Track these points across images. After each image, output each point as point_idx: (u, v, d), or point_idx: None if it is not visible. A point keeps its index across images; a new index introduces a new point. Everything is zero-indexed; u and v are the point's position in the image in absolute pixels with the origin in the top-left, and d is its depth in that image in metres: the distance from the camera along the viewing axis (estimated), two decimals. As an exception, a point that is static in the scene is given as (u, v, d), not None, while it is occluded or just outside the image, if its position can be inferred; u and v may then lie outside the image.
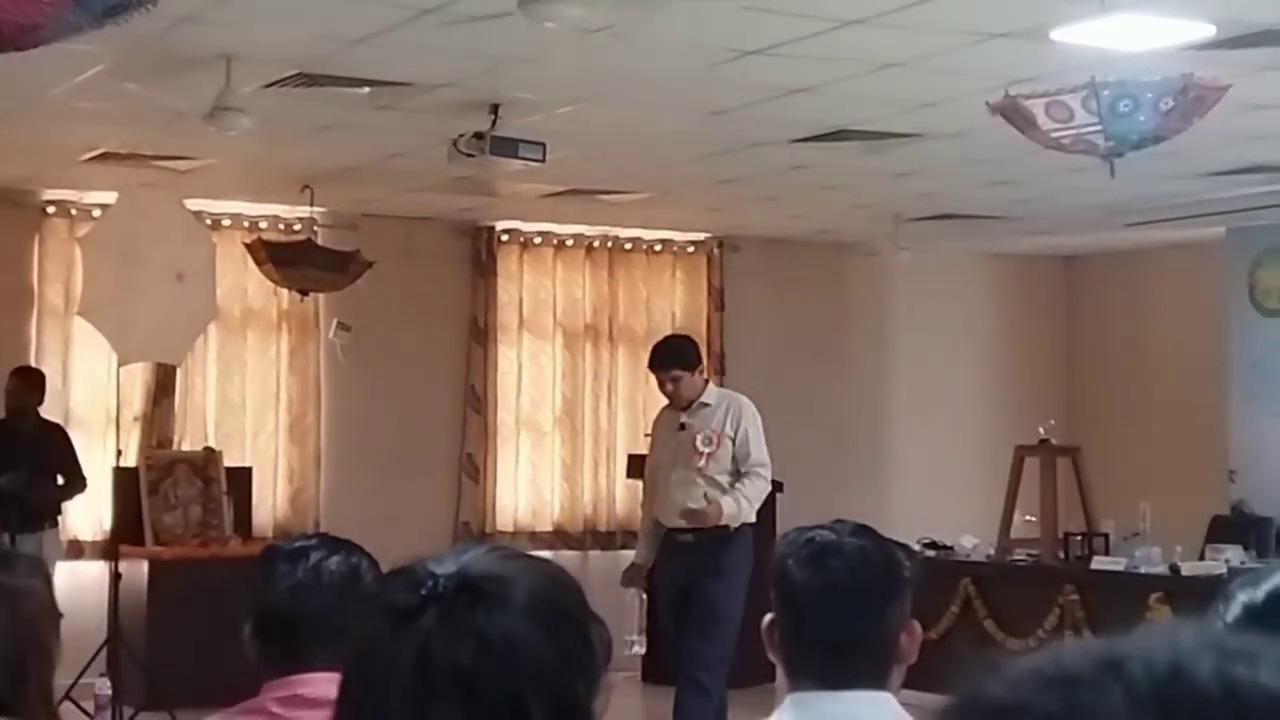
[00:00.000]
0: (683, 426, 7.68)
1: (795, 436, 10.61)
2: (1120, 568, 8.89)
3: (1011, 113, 5.76)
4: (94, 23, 4.44)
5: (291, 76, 7.04)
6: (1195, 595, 7.62)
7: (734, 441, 7.63)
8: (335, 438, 10.93)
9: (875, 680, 2.60)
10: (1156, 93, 5.50)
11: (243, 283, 10.55)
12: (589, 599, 1.53)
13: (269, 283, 10.07)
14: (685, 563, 7.56)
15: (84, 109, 7.65)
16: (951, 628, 9.22)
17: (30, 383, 9.42)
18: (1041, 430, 10.12)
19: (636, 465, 9.99)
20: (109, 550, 9.56)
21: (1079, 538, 9.50)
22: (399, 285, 10.91)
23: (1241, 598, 1.65)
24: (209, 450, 10.23)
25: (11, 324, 10.11)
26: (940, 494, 12.04)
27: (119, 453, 9.67)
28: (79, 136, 8.47)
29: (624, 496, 11.41)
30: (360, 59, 6.71)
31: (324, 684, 2.44)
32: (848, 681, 2.57)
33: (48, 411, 9.53)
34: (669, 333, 10.11)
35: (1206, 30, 6.09)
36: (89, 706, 8.06)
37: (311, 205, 10.15)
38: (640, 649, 8.02)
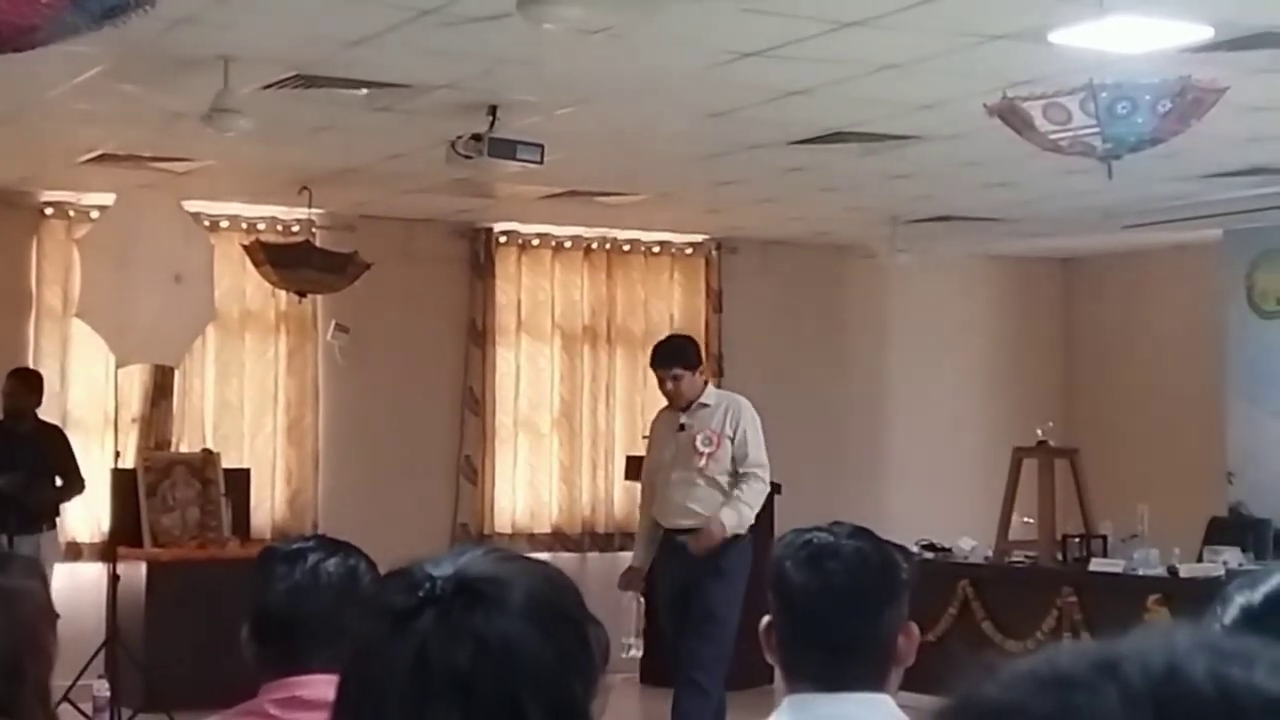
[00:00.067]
0: (682, 427, 7.68)
1: (793, 438, 10.61)
2: (1118, 569, 8.89)
3: (1009, 115, 5.77)
4: (92, 24, 4.44)
5: (289, 78, 7.04)
6: (1193, 597, 7.63)
7: (733, 442, 7.63)
8: (333, 439, 10.93)
9: (873, 682, 2.60)
10: (1154, 95, 5.50)
11: (241, 284, 10.55)
12: (587, 601, 1.53)
13: (267, 284, 10.06)
14: (684, 563, 7.56)
15: (82, 110, 7.65)
16: (949, 629, 9.21)
17: (28, 384, 9.42)
18: (1039, 432, 10.12)
19: (634, 467, 9.98)
20: (107, 552, 9.56)
21: (1077, 539, 9.50)
22: (397, 287, 10.91)
23: (1239, 600, 1.65)
24: (207, 452, 10.22)
25: (9, 325, 10.10)
26: (938, 495, 12.04)
27: (117, 454, 9.68)
28: (77, 138, 8.46)
29: (622, 498, 11.41)
30: (358, 60, 6.71)
31: (322, 685, 2.44)
32: (845, 683, 2.57)
33: (46, 413, 9.53)
34: (670, 333, 10.11)
35: (1204, 32, 6.10)
36: (87, 708, 8.05)
37: (309, 207, 10.14)
38: (637, 652, 8.02)
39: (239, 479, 10.24)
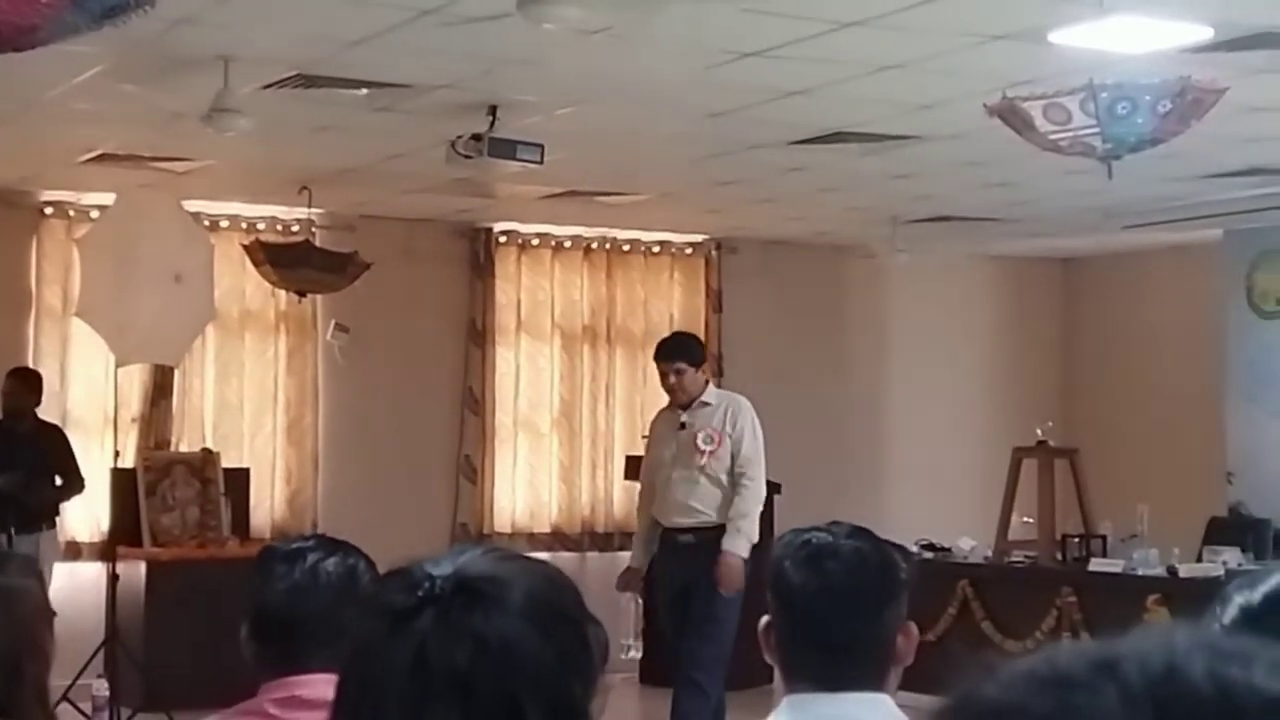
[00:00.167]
0: (683, 426, 7.69)
1: (793, 438, 10.61)
2: (1118, 569, 8.89)
3: (1009, 115, 5.77)
4: (92, 24, 4.44)
5: (290, 78, 7.04)
6: (1193, 597, 7.62)
7: (731, 439, 7.63)
8: (333, 439, 10.93)
9: (872, 682, 2.60)
10: (1154, 95, 5.50)
11: (241, 284, 10.55)
12: (586, 600, 1.53)
13: (267, 284, 10.06)
14: (685, 563, 7.56)
15: (82, 110, 7.65)
16: (949, 629, 9.22)
17: (28, 384, 9.42)
18: (1039, 432, 10.13)
19: (634, 467, 9.98)
20: (107, 551, 9.56)
21: (1077, 539, 9.51)
22: (397, 287, 10.91)
23: (1238, 600, 1.65)
24: (207, 451, 10.22)
25: (9, 325, 10.10)
26: (938, 495, 12.04)
27: (117, 454, 9.68)
28: (77, 137, 8.46)
29: (622, 498, 11.41)
30: (358, 60, 6.71)
31: (321, 685, 2.44)
32: (844, 683, 2.57)
33: (45, 412, 9.53)
34: (675, 330, 10.13)
35: (1204, 33, 6.10)
36: (86, 708, 8.05)
37: (309, 206, 10.14)
38: (636, 653, 8.03)
39: (238, 478, 10.24)
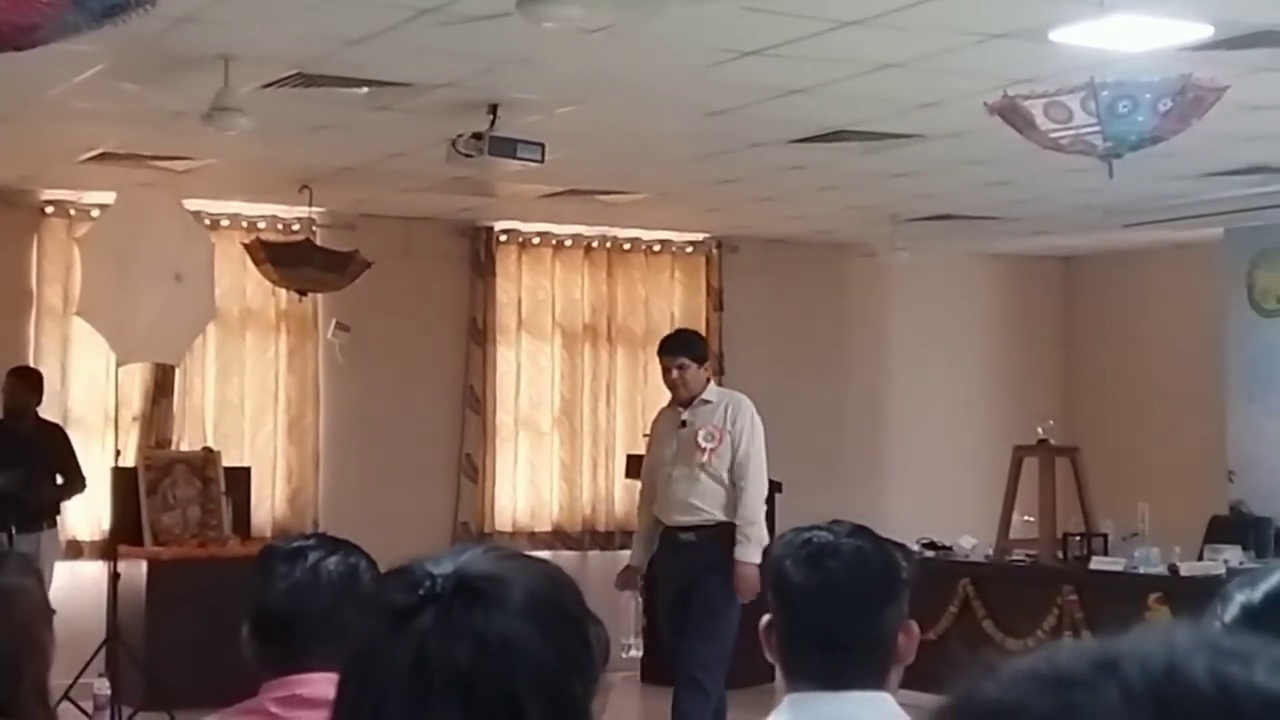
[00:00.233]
0: (684, 424, 7.69)
1: (793, 437, 10.61)
2: (1119, 568, 8.89)
3: (1010, 113, 5.77)
4: (92, 23, 4.44)
5: (290, 76, 7.04)
6: (1194, 595, 7.62)
7: (732, 437, 7.63)
8: (334, 438, 10.94)
9: (873, 681, 2.60)
10: (1155, 93, 5.50)
11: (241, 283, 10.55)
12: (587, 599, 1.53)
13: (267, 283, 10.07)
14: (686, 561, 7.55)
15: (82, 109, 7.65)
16: (950, 628, 9.22)
17: (28, 383, 9.42)
18: (1040, 430, 10.12)
19: (635, 465, 9.98)
20: (107, 550, 9.56)
21: (1078, 538, 9.51)
22: (397, 285, 10.91)
23: (1239, 598, 1.65)
24: (207, 450, 10.23)
25: (10, 324, 10.11)
26: (939, 494, 12.04)
27: (117, 453, 9.68)
28: (77, 136, 8.47)
29: (622, 497, 11.41)
30: (359, 59, 6.71)
31: (322, 684, 2.44)
32: (845, 682, 2.57)
33: (46, 411, 9.53)
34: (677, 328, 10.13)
35: (1204, 31, 6.10)
36: (88, 707, 8.05)
37: (310, 205, 10.15)
38: (637, 651, 8.02)
39: (239, 477, 10.25)
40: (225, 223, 10.64)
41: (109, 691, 7.92)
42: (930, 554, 9.58)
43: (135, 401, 10.31)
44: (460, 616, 1.42)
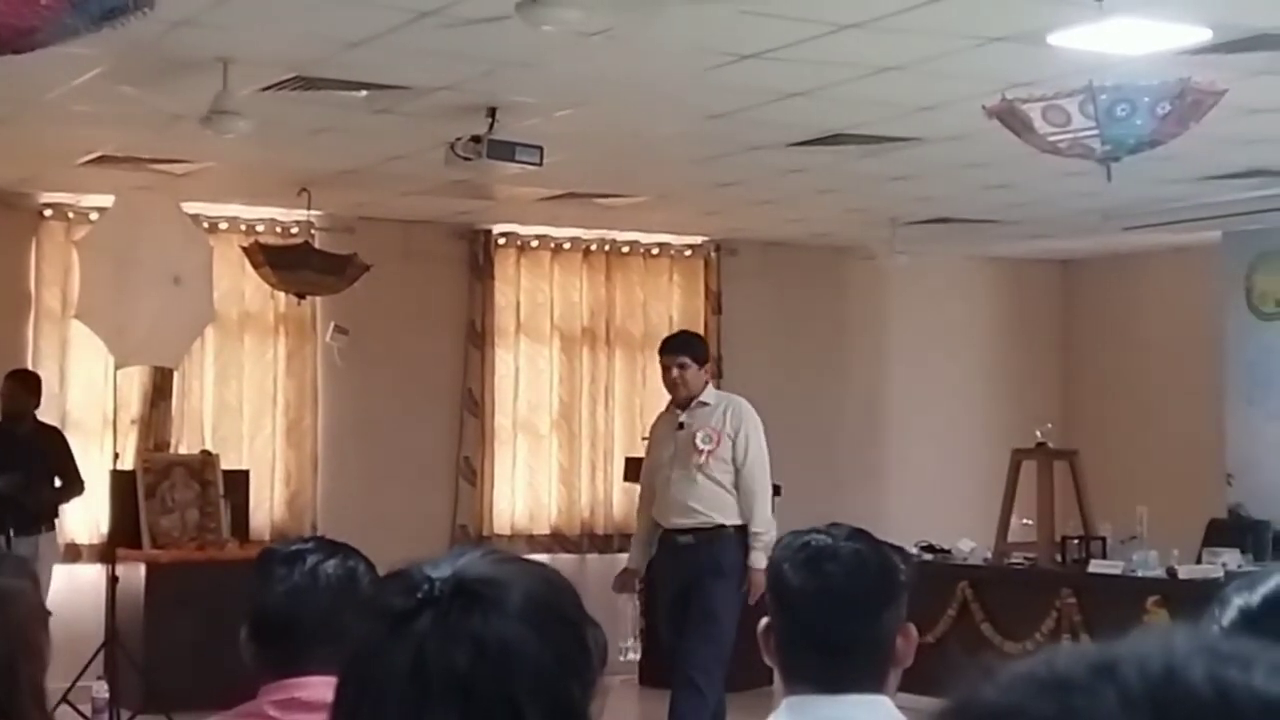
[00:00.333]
0: (681, 425, 7.70)
1: (792, 440, 10.61)
2: (1117, 571, 8.89)
3: (1008, 117, 5.77)
4: (91, 26, 4.45)
5: (289, 80, 7.04)
6: (1192, 599, 7.62)
7: (733, 441, 7.64)
8: (332, 441, 10.93)
9: (871, 684, 2.60)
10: (1153, 97, 5.50)
11: (240, 286, 10.55)
12: (586, 602, 1.53)
13: (266, 286, 10.06)
14: (684, 563, 7.56)
15: (81, 112, 7.65)
16: (948, 631, 9.21)
17: (26, 386, 9.42)
18: (1038, 433, 10.12)
19: (633, 468, 9.98)
20: (106, 553, 9.55)
21: (1076, 541, 9.50)
22: (396, 288, 10.91)
23: (1237, 602, 1.65)
24: (206, 453, 10.22)
25: (8, 327, 10.10)
26: (937, 497, 12.04)
27: (116, 456, 9.67)
28: (76, 139, 8.46)
29: (621, 500, 11.41)
30: (358, 62, 6.71)
31: (321, 687, 2.44)
32: (844, 685, 2.57)
33: (45, 414, 9.53)
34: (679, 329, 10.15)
35: (1203, 34, 6.10)
36: (86, 710, 8.04)
37: (309, 208, 10.14)
38: (634, 655, 8.02)
39: (238, 480, 10.24)
40: (224, 226, 10.63)
41: (107, 695, 7.91)
42: (928, 557, 9.58)
43: (134, 404, 10.31)
44: (458, 620, 1.42)
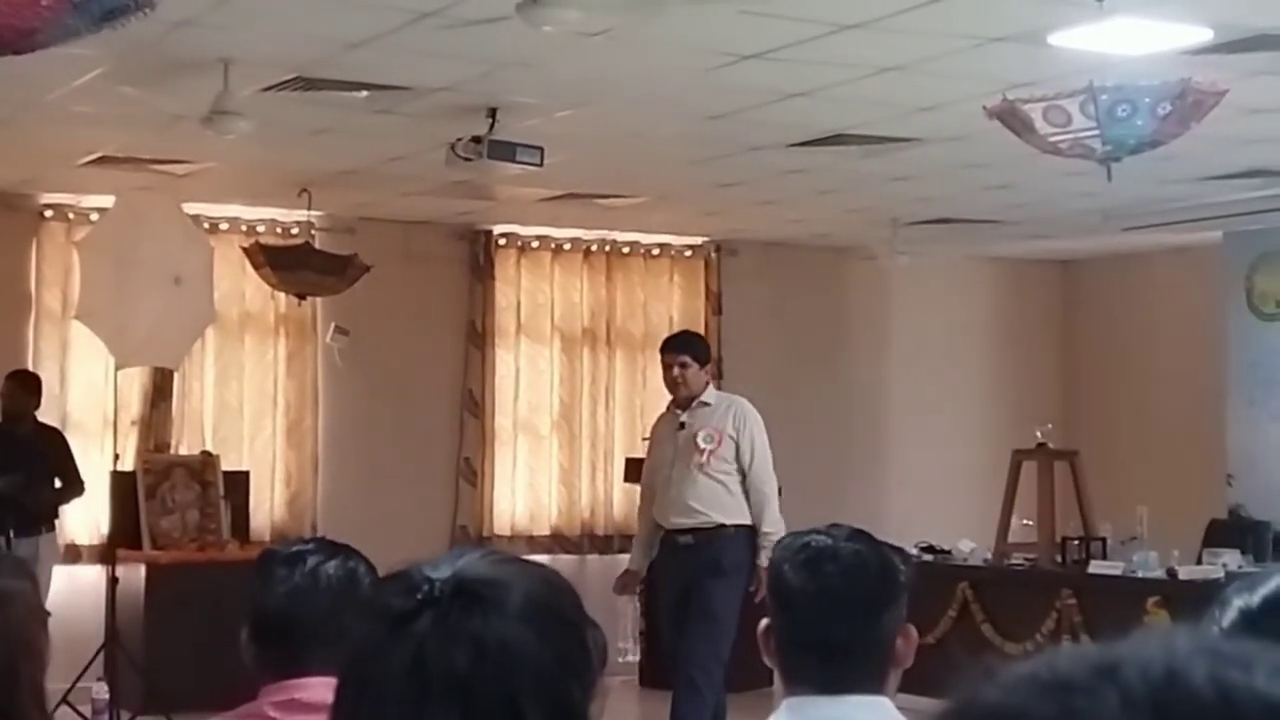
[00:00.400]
0: (682, 425, 7.71)
1: (792, 440, 10.60)
2: (1118, 572, 8.89)
3: (1009, 117, 5.77)
4: (92, 27, 4.45)
5: (289, 80, 7.04)
6: (1193, 599, 7.62)
7: (736, 442, 7.64)
8: (333, 441, 10.93)
9: (872, 685, 2.60)
10: (1154, 97, 5.50)
11: (240, 286, 10.55)
12: (586, 603, 1.52)
13: (266, 286, 10.06)
14: (685, 563, 7.57)
15: (82, 113, 7.65)
16: (948, 632, 9.21)
17: (27, 386, 9.42)
18: (1039, 434, 10.11)
19: (634, 469, 9.99)
20: (106, 554, 9.55)
21: (1076, 542, 9.50)
22: (397, 289, 10.91)
23: (1237, 603, 1.64)
24: (206, 454, 10.22)
25: (9, 328, 10.10)
26: (938, 498, 12.04)
27: (116, 456, 9.67)
28: (77, 140, 8.47)
29: (621, 500, 11.41)
30: (358, 63, 6.71)
31: (321, 688, 2.44)
32: (844, 686, 2.57)
33: (45, 415, 9.53)
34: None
35: (1204, 35, 6.10)
36: (86, 711, 8.04)
37: (309, 209, 10.14)
38: (634, 656, 8.03)
39: (238, 481, 10.24)
40: (224, 226, 10.63)
41: (107, 696, 7.91)
42: (929, 558, 9.58)
43: (134, 405, 10.31)
44: (458, 621, 1.42)
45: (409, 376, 11.13)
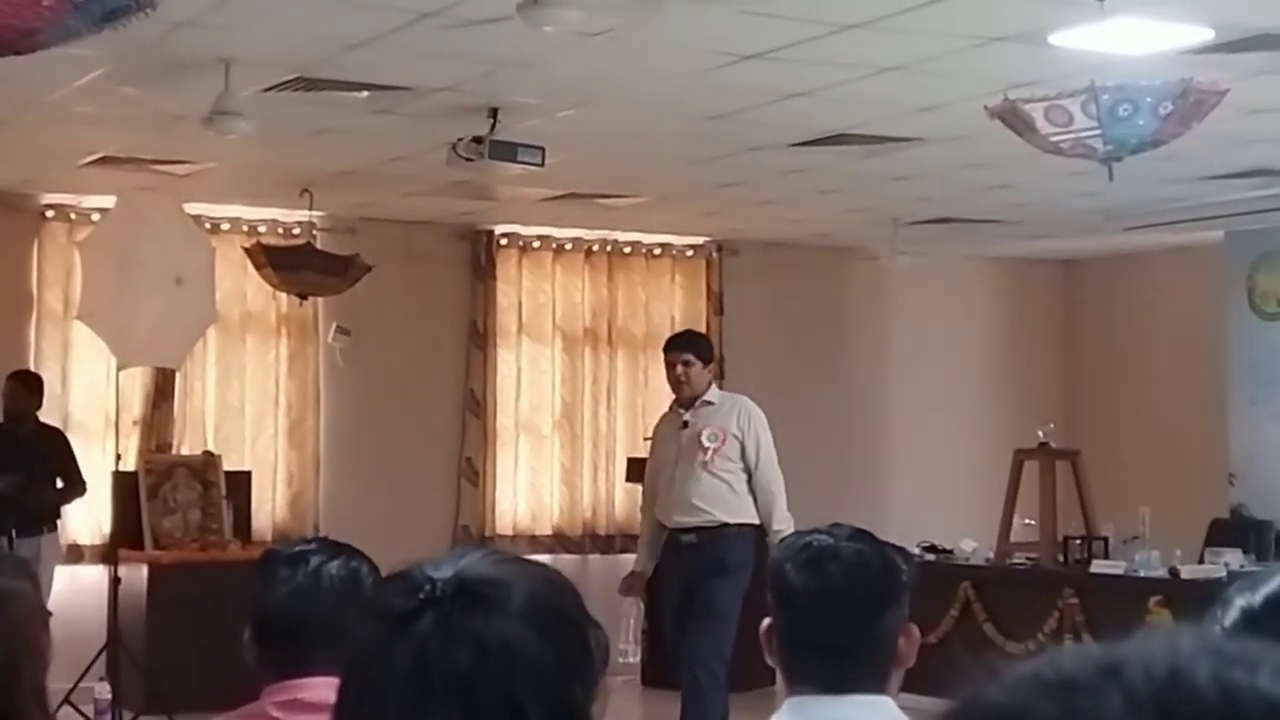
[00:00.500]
0: (686, 424, 7.71)
1: (794, 439, 10.57)
2: (1119, 571, 8.89)
3: (1010, 117, 5.77)
4: (93, 27, 4.45)
5: (290, 80, 7.04)
6: (1195, 599, 7.62)
7: (741, 441, 7.65)
8: (334, 442, 10.93)
9: (874, 684, 2.60)
10: (1155, 97, 5.50)
11: (242, 287, 10.55)
12: (588, 603, 1.52)
13: (268, 287, 10.06)
14: (689, 562, 7.57)
15: (83, 113, 7.66)
16: (951, 631, 9.21)
17: (29, 387, 9.42)
18: (1040, 434, 10.11)
19: (636, 469, 9.99)
20: (108, 554, 9.55)
21: (1078, 541, 9.49)
22: (398, 289, 10.91)
23: (1239, 602, 1.64)
24: (208, 454, 10.22)
25: (10, 328, 10.10)
26: (939, 497, 12.04)
27: (118, 457, 9.66)
28: (78, 140, 8.47)
29: (623, 500, 11.41)
30: (359, 63, 6.71)
31: (323, 688, 2.43)
32: (846, 686, 2.57)
33: (47, 415, 9.53)
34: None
35: (1205, 34, 6.10)
36: (88, 711, 8.04)
37: (310, 209, 10.14)
38: (633, 657, 8.02)
39: (240, 481, 10.24)
40: (226, 226, 10.64)
41: (109, 696, 7.91)
42: (931, 557, 9.58)
43: (136, 405, 10.31)
44: (460, 620, 1.42)
45: (411, 376, 11.13)
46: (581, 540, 11.50)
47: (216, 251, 9.76)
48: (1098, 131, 5.51)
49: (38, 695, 2.73)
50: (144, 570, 9.43)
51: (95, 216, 9.94)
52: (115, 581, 9.10)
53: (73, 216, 10.24)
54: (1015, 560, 9.72)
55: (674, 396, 7.89)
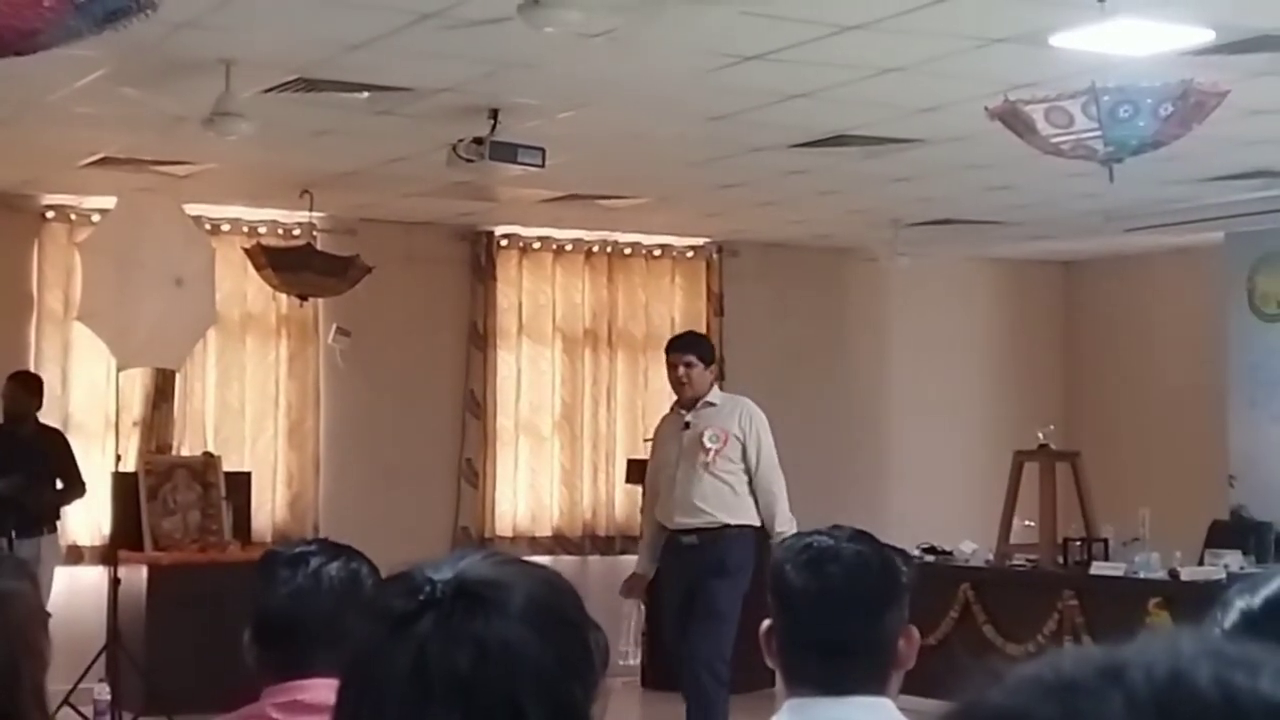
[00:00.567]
0: (687, 425, 7.71)
1: (794, 441, 10.56)
2: (1119, 573, 8.89)
3: (1011, 118, 5.77)
4: (94, 28, 4.45)
5: (291, 81, 7.04)
6: (1195, 600, 7.62)
7: (742, 443, 7.65)
8: (334, 443, 10.93)
9: (873, 686, 2.60)
10: (1156, 98, 5.50)
11: (242, 288, 10.55)
12: (588, 604, 1.52)
13: (268, 288, 10.06)
14: (690, 563, 7.58)
15: (83, 114, 7.66)
16: (950, 633, 9.21)
17: (28, 388, 9.42)
18: (1040, 435, 10.11)
19: (635, 470, 9.98)
20: (108, 555, 9.55)
21: (1078, 543, 9.50)
22: (398, 290, 10.91)
23: (1239, 604, 1.64)
24: (208, 455, 10.22)
25: (11, 329, 10.10)
26: (939, 499, 12.03)
27: (118, 458, 9.67)
28: (78, 141, 8.47)
29: (623, 501, 11.41)
30: (360, 64, 6.71)
31: (323, 689, 2.43)
32: (846, 687, 2.57)
33: (47, 416, 9.53)
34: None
35: (1205, 35, 6.10)
36: (88, 712, 8.04)
37: (311, 210, 10.14)
38: (633, 659, 8.02)
39: (240, 482, 10.24)
40: (226, 227, 10.64)
41: (109, 697, 7.91)
42: (930, 559, 9.58)
43: (136, 406, 10.31)
44: (460, 622, 1.42)
45: (411, 377, 11.13)
46: (581, 541, 11.50)
47: (216, 252, 9.76)
48: (1098, 133, 5.51)
49: (37, 696, 2.73)
50: (144, 571, 9.43)
51: (95, 217, 9.94)
52: (115, 582, 9.10)
53: (73, 217, 10.24)
54: (1015, 562, 9.73)
55: (675, 397, 7.89)
